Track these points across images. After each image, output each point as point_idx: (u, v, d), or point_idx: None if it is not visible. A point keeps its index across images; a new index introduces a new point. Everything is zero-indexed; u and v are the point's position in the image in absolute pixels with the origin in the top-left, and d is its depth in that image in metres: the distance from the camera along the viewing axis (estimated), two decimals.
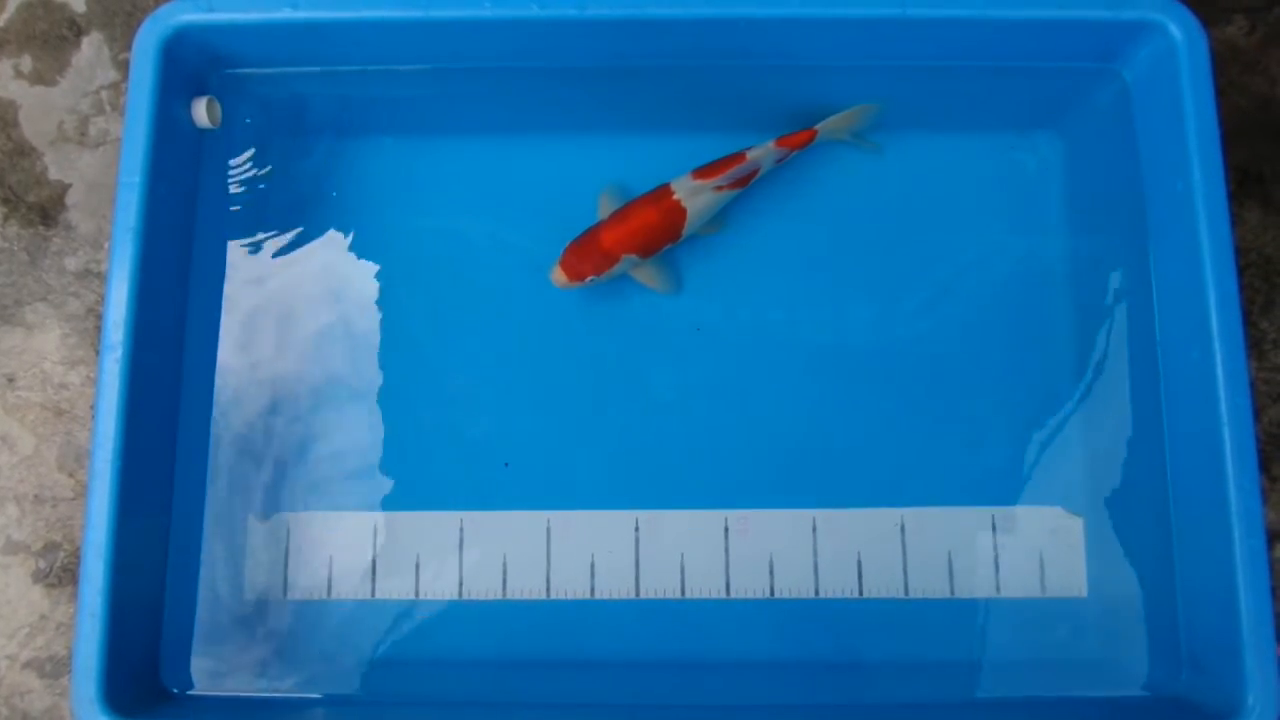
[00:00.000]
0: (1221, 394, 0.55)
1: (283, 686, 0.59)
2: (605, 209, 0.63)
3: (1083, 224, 0.64)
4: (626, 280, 0.63)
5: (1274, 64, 0.70)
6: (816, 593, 0.61)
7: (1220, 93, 0.57)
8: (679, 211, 0.61)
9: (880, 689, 0.60)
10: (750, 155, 0.61)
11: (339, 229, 0.65)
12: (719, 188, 0.61)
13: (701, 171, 0.61)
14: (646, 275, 0.63)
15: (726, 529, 0.61)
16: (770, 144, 0.62)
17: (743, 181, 0.62)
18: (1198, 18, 0.58)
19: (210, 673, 0.60)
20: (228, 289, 0.64)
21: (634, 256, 0.61)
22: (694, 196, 0.61)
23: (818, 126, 0.63)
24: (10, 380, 0.67)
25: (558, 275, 0.61)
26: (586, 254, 0.61)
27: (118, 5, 0.71)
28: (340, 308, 0.64)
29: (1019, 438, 0.62)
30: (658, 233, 0.61)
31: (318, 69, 0.64)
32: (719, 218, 0.63)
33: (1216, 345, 0.55)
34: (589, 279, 0.61)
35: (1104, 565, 0.61)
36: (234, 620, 0.61)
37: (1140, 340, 0.61)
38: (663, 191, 0.62)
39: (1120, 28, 0.59)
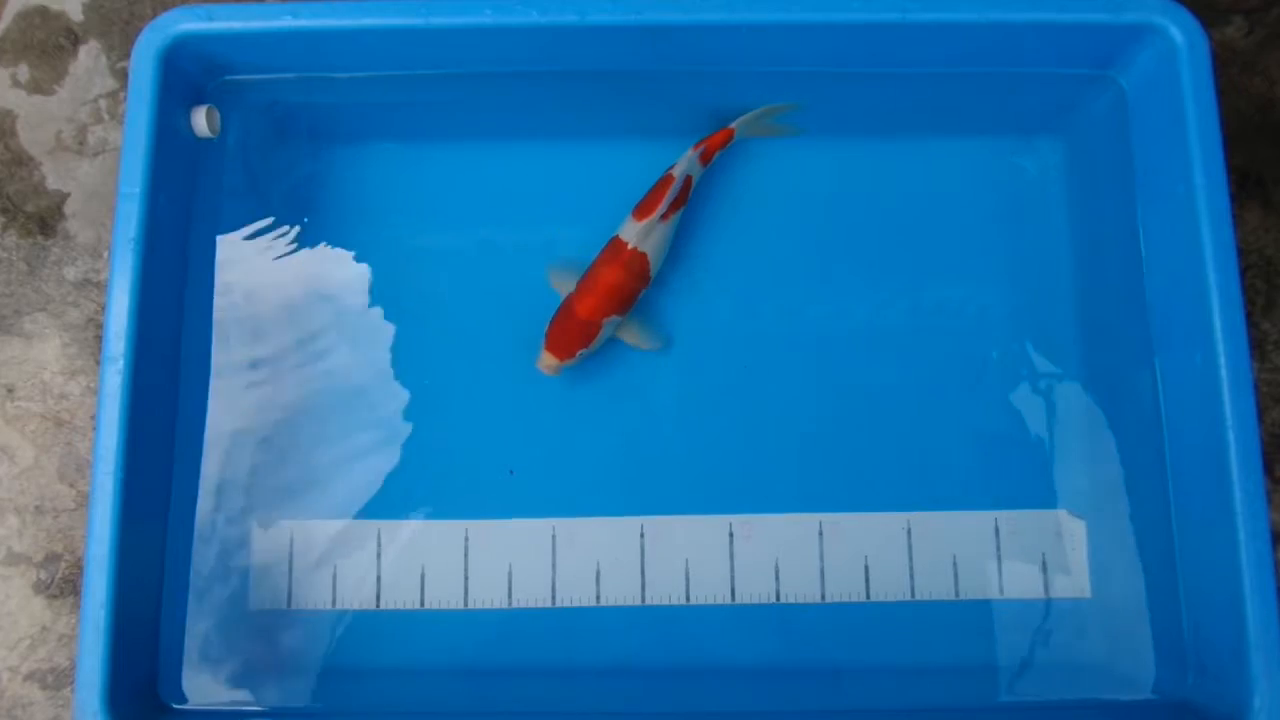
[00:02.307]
0: (1225, 397, 0.54)
1: (288, 698, 0.59)
2: (557, 281, 0.62)
3: (1084, 228, 0.64)
4: None
5: (1273, 66, 0.70)
6: (823, 597, 0.61)
7: (1219, 94, 0.57)
8: (639, 258, 0.61)
9: (885, 692, 0.60)
10: (675, 172, 0.61)
11: (340, 236, 0.64)
12: (664, 217, 0.61)
13: (640, 210, 0.61)
14: (633, 336, 0.62)
15: (731, 534, 0.61)
16: (689, 152, 0.62)
17: (682, 200, 0.62)
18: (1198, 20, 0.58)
19: (214, 684, 0.59)
20: (227, 297, 0.63)
21: (615, 317, 0.61)
22: (646, 237, 0.61)
23: (734, 124, 0.63)
24: (10, 391, 0.67)
25: (546, 360, 0.60)
26: (568, 330, 0.60)
27: (115, 14, 0.71)
28: (341, 315, 0.64)
29: (1022, 442, 0.62)
30: (628, 286, 0.61)
31: (318, 77, 0.63)
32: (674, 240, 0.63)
33: (1220, 348, 0.55)
34: (579, 354, 0.60)
35: (1107, 568, 0.61)
36: (237, 631, 0.60)
37: (1141, 343, 0.61)
38: (616, 245, 0.61)
39: (1120, 31, 0.59)
